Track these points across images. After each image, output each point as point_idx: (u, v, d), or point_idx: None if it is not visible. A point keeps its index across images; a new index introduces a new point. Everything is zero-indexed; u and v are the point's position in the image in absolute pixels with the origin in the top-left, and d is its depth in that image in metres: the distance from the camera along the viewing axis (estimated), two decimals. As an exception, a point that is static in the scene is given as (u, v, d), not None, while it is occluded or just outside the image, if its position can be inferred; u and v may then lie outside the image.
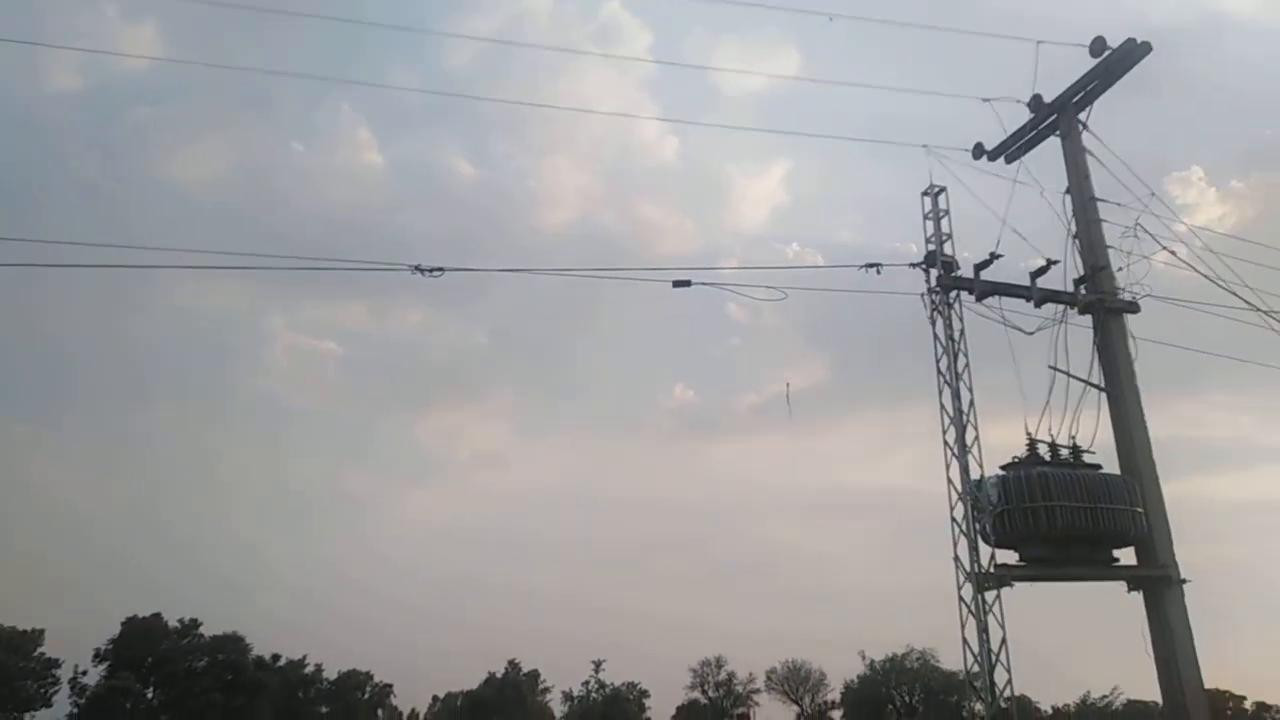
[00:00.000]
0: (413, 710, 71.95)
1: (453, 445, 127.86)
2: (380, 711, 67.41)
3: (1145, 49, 12.29)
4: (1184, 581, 11.19)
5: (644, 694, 66.87)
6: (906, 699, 64.06)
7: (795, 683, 67.32)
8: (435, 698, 71.64)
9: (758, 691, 67.47)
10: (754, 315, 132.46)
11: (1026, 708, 64.29)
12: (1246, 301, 12.62)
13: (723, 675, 66.89)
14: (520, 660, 68.37)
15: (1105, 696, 64.37)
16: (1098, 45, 12.55)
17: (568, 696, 66.23)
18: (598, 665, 65.29)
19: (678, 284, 11.18)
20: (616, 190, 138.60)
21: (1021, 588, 11.34)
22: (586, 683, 65.55)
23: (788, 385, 15.73)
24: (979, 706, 11.37)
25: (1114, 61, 12.52)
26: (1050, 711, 66.55)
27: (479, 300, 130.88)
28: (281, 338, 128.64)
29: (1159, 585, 11.02)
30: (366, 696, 66.23)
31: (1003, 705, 10.83)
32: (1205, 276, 12.64)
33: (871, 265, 12.51)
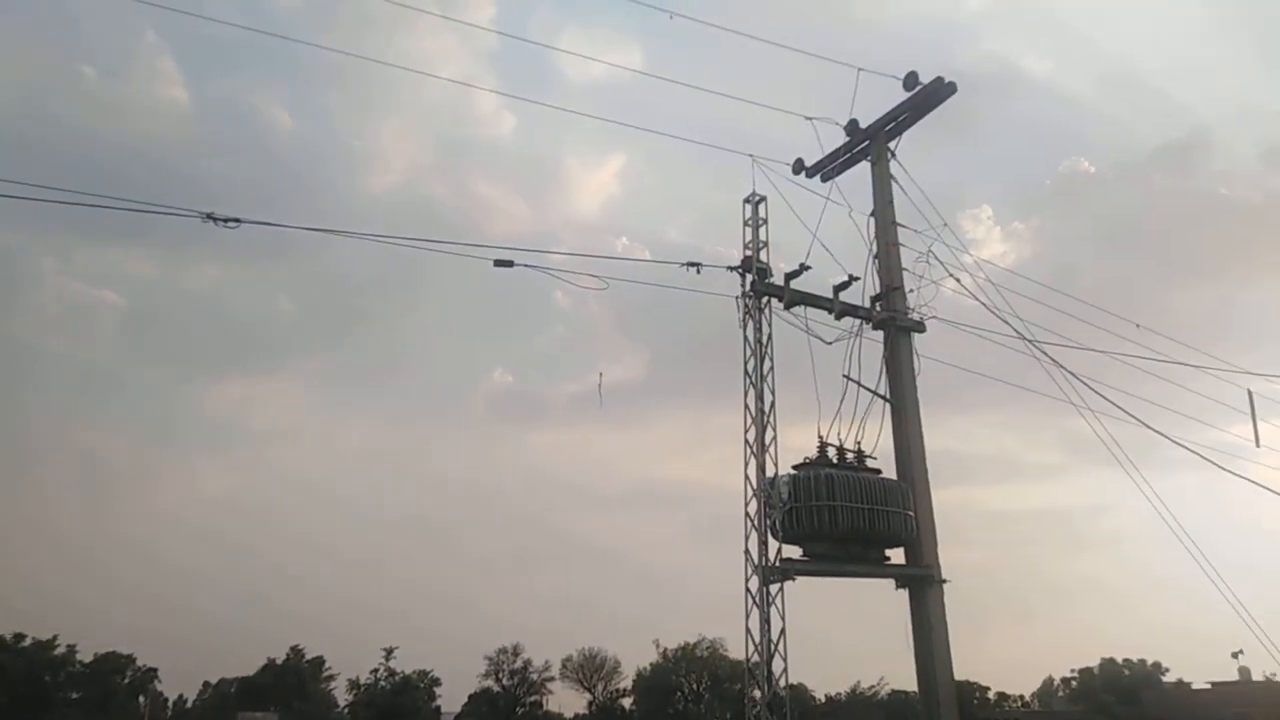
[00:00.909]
0: (180, 697, 67.04)
1: (247, 415, 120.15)
2: (142, 699, 62.17)
3: (951, 89, 13.31)
4: (944, 581, 12.22)
5: (435, 682, 65.58)
6: (694, 687, 66.57)
7: (590, 671, 68.31)
8: (206, 684, 67.10)
9: (552, 680, 67.94)
10: (579, 305, 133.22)
11: (802, 696, 68.51)
12: (1017, 331, 13.93)
13: (518, 663, 66.83)
14: (305, 646, 65.29)
15: (873, 686, 69.76)
16: (910, 80, 13.45)
17: (354, 684, 63.82)
18: (389, 652, 63.40)
19: (499, 263, 10.96)
20: (448, 161, 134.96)
21: (806, 582, 12.01)
22: (375, 670, 63.48)
23: (600, 376, 15.89)
24: (757, 694, 11.81)
25: (923, 97, 13.47)
26: (823, 699, 71.27)
27: (286, 261, 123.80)
28: (53, 283, 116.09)
29: (922, 584, 11.99)
30: (126, 681, 60.92)
31: (779, 693, 11.39)
32: (984, 305, 13.85)
33: (692, 265, 12.81)
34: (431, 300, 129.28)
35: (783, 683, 11.48)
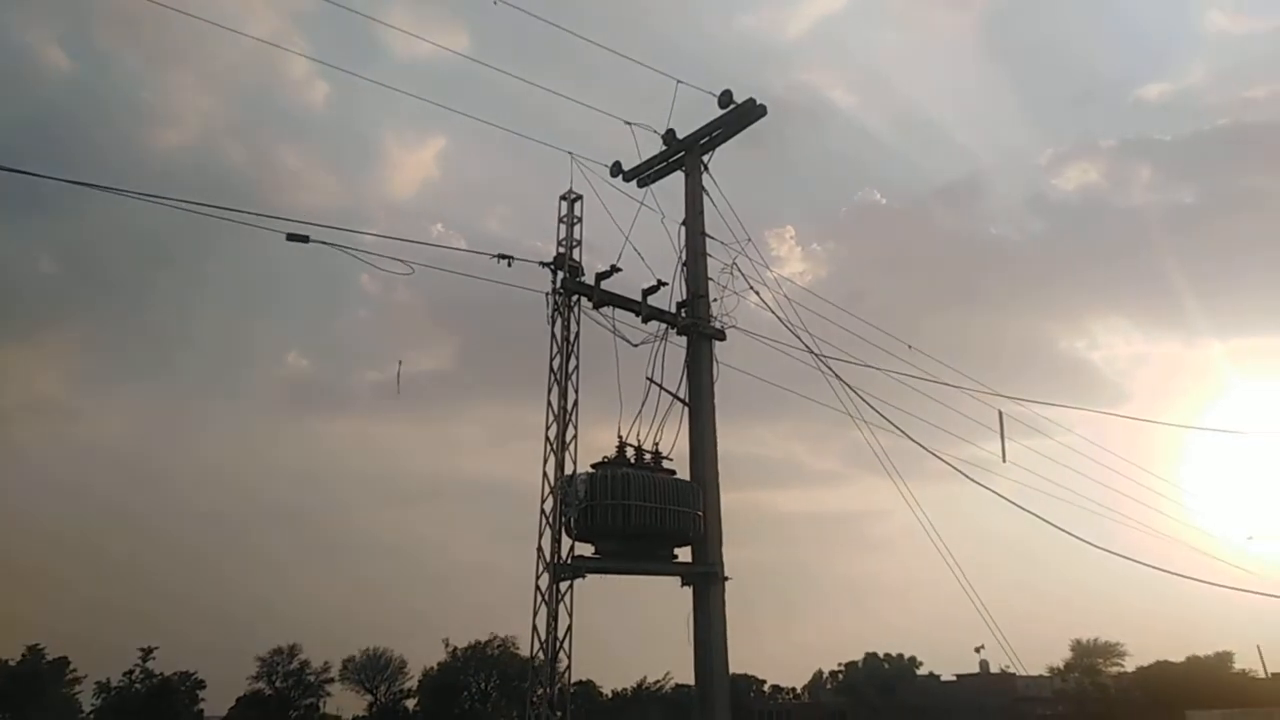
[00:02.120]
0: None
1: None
2: None
3: (761, 111, 13.94)
4: (726, 579, 12.75)
5: (199, 685, 60.78)
6: (483, 686, 65.75)
7: (373, 671, 65.80)
8: (-82, 690, 58.62)
9: (331, 681, 64.87)
10: (388, 290, 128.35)
11: (590, 692, 69.41)
12: (807, 346, 14.76)
13: (294, 664, 63.26)
14: (46, 646, 58.55)
15: (658, 681, 71.84)
16: (725, 98, 13.96)
17: (103, 688, 57.89)
18: (146, 653, 58.08)
19: (293, 237, 10.25)
20: (250, 125, 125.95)
21: (602, 579, 12.16)
22: (130, 672, 57.92)
23: (399, 364, 15.26)
24: (542, 691, 11.85)
25: (736, 116, 14.02)
26: (610, 695, 72.58)
27: (52, 219, 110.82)
28: None
29: (706, 581, 12.45)
30: None
31: (564, 690, 11.42)
32: (779, 319, 14.57)
33: (503, 257, 12.62)
34: (221, 273, 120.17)
35: (568, 679, 11.54)
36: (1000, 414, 17.40)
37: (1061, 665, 70.13)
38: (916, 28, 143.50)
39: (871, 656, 73.96)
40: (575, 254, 13.15)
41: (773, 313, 14.87)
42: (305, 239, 10.26)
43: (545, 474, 12.27)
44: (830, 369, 14.83)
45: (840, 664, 77.68)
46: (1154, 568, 18.42)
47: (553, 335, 12.74)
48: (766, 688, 78.32)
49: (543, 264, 12.74)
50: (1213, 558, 23.25)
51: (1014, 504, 15.86)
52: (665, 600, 13.16)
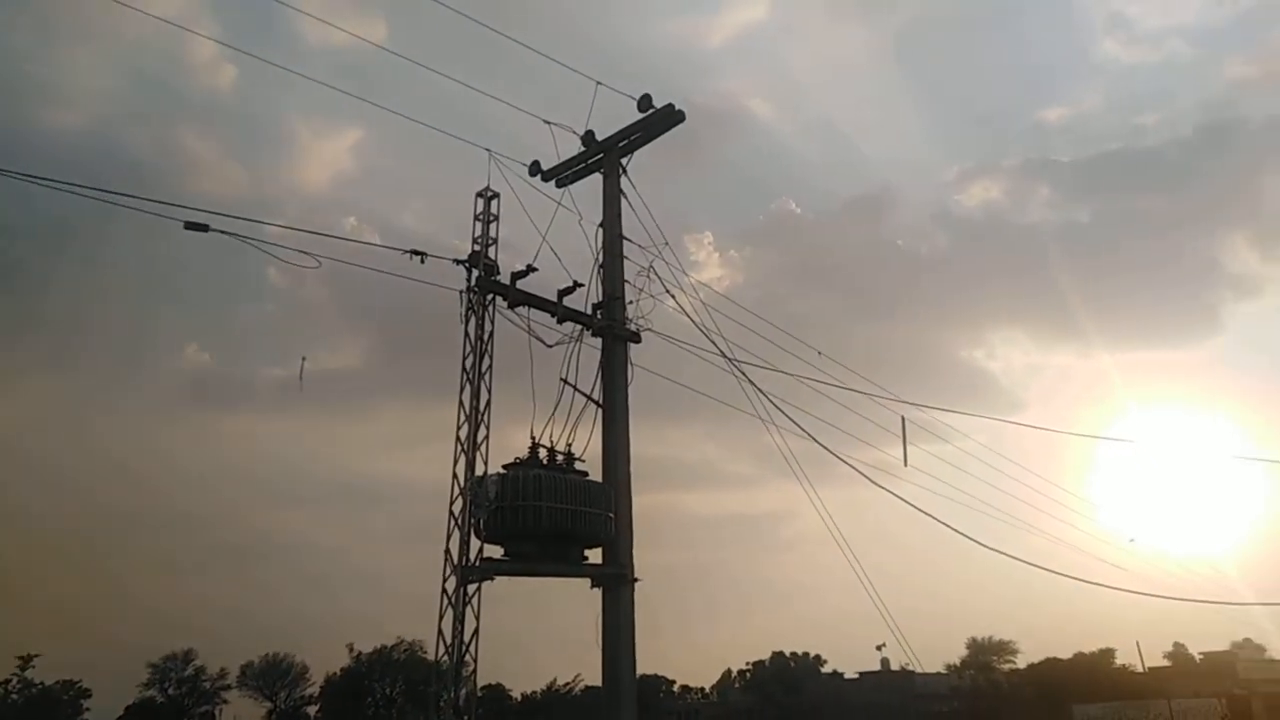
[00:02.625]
0: None
1: None
2: None
3: (680, 116, 14.08)
4: (636, 580, 12.80)
5: (84, 694, 57.71)
6: (388, 691, 64.35)
7: (273, 677, 63.68)
8: None
9: (228, 688, 62.51)
10: (296, 283, 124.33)
11: (499, 695, 68.72)
12: (722, 351, 14.95)
13: (189, 671, 60.70)
14: (-98, 656, 54.61)
15: (568, 684, 71.58)
16: (644, 102, 14.05)
17: (-26, 699, 54.40)
18: (25, 661, 54.79)
19: (191, 226, 9.82)
20: (151, 108, 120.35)
21: (513, 582, 12.04)
22: (6, 682, 54.55)
23: (303, 360, 14.79)
24: (449, 696, 11.74)
25: (655, 120, 14.12)
26: (520, 698, 72.03)
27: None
28: None
29: (616, 583, 12.47)
30: None
31: (470, 693, 11.28)
32: (694, 322, 14.73)
33: (416, 253, 12.38)
34: (116, 261, 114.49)
35: (475, 683, 11.39)
36: (903, 420, 17.98)
37: (958, 662, 72.97)
38: (833, 43, 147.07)
39: (779, 655, 75.40)
40: (491, 252, 13.01)
41: (688, 316, 15.03)
42: (204, 228, 9.84)
43: (455, 475, 12.09)
44: (743, 374, 15.08)
45: (748, 663, 79.01)
46: (1043, 568, 19.31)
47: (466, 334, 12.57)
48: (676, 688, 78.97)
49: (457, 261, 12.56)
50: (1098, 559, 24.55)
51: (914, 506, 16.40)
52: (577, 602, 13.15)
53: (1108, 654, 69.45)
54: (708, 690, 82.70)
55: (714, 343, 14.99)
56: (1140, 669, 63.31)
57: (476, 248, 12.86)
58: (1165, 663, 66.55)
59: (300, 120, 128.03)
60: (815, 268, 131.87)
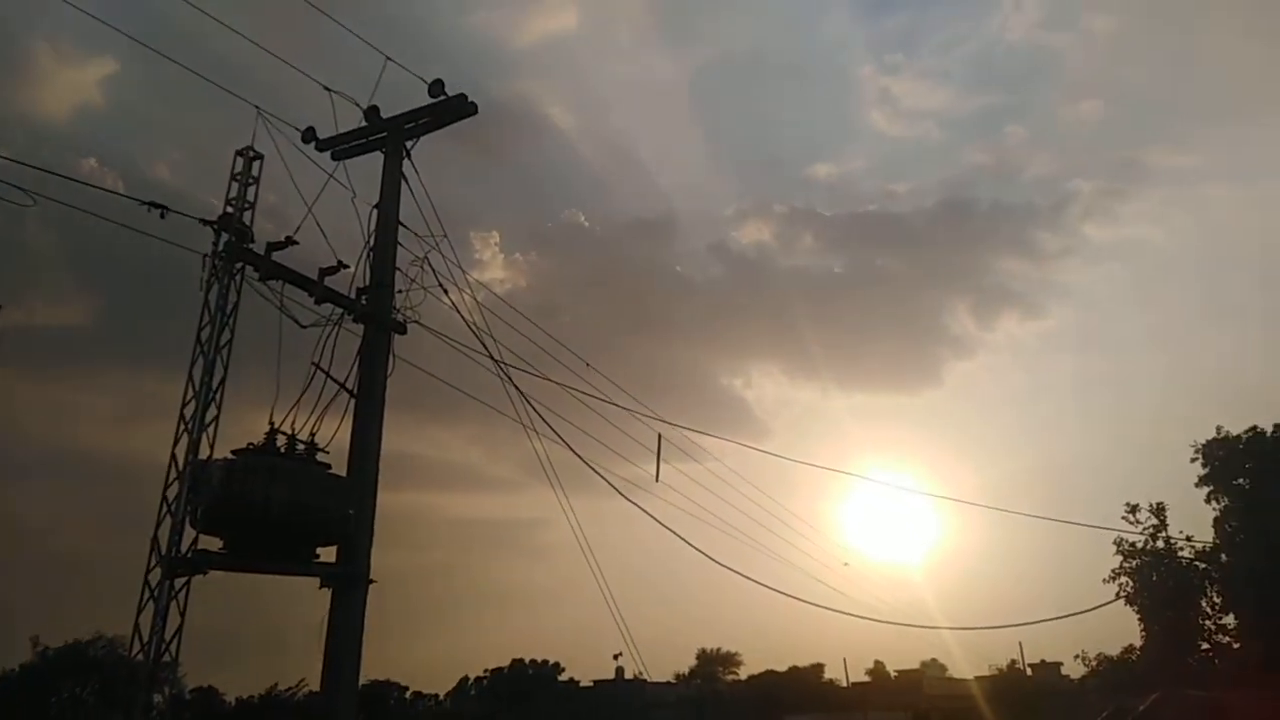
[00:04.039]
0: None
1: None
2: None
3: (472, 109, 13.71)
4: (371, 582, 12.16)
5: None
6: (78, 691, 57.29)
7: (-72, 674, 54.69)
8: None
9: None
10: (13, 225, 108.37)
11: (211, 698, 63.29)
12: (489, 352, 14.67)
13: None
14: None
15: (291, 688, 67.23)
16: (436, 87, 13.54)
17: None
18: None
19: None
20: None
21: (238, 580, 11.04)
22: None
23: (-1, 308, 12.75)
24: (158, 697, 10.54)
25: (445, 107, 13.65)
26: (234, 702, 66.68)
27: None
28: None
29: (348, 584, 11.77)
30: None
31: (176, 696, 10.21)
32: (464, 320, 14.34)
33: (156, 207, 11.10)
34: None
35: (178, 686, 10.30)
36: (660, 437, 18.57)
37: (687, 672, 76.70)
38: (637, 66, 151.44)
39: (518, 663, 75.35)
40: (248, 218, 11.95)
41: (459, 313, 14.62)
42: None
43: (174, 456, 10.92)
44: (509, 377, 14.88)
45: (487, 670, 78.26)
46: (767, 586, 20.56)
47: (206, 303, 11.42)
48: (409, 694, 76.50)
49: (204, 222, 11.39)
50: (817, 580, 26.66)
51: (658, 521, 16.92)
52: (311, 602, 12.28)
53: (818, 668, 75.74)
54: (442, 697, 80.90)
55: (482, 342, 14.70)
56: (845, 683, 69.50)
57: (230, 210, 11.75)
58: (866, 678, 73.52)
59: (44, 40, 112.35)
60: (596, 282, 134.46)
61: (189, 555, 10.34)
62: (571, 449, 14.97)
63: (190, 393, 11.19)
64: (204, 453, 10.93)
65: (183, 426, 11.05)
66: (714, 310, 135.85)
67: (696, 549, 17.83)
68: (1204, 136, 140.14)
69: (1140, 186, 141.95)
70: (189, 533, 10.61)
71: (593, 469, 15.72)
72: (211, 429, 11.03)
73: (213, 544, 10.82)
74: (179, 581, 10.32)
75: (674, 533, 17.25)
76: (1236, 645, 39.55)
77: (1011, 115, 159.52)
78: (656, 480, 17.96)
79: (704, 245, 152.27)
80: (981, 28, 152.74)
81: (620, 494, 16.26)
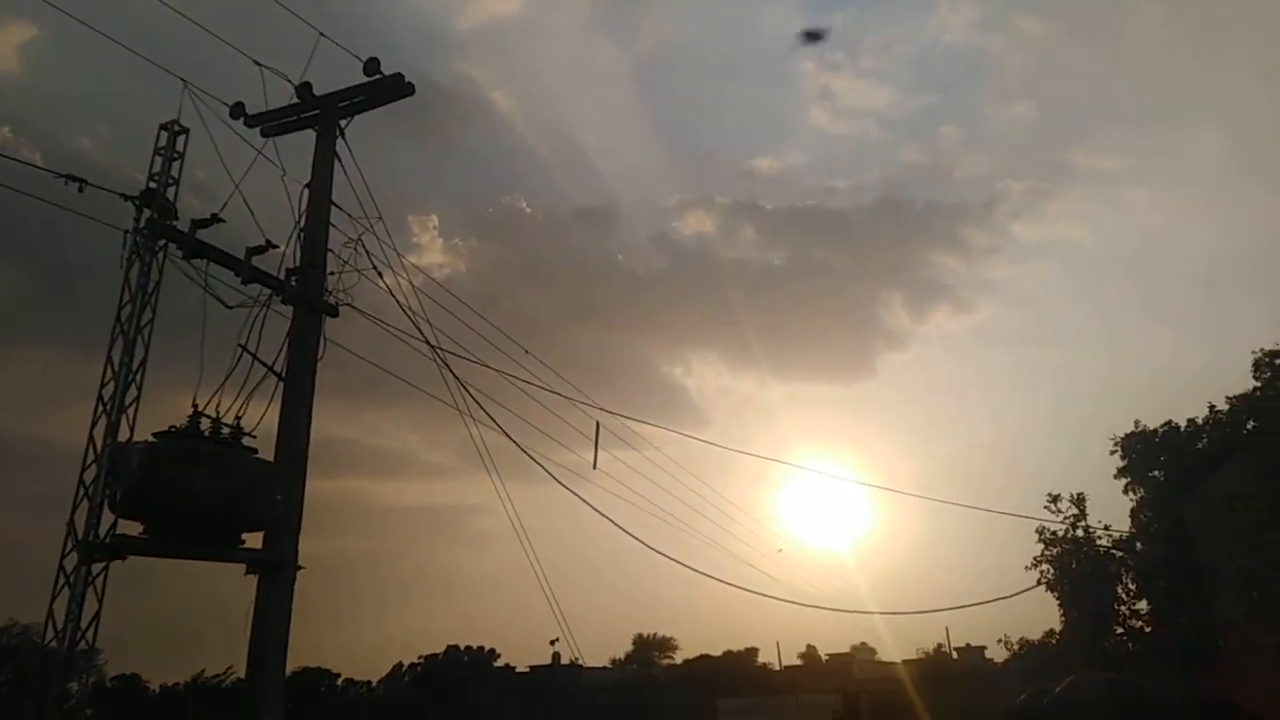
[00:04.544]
0: None
1: None
2: None
3: (409, 89, 13.48)
4: (299, 568, 11.98)
5: None
6: (-11, 680, 55.19)
7: None
8: None
9: None
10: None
11: (134, 687, 61.62)
12: (424, 337, 14.50)
13: None
14: None
15: (218, 675, 65.81)
16: (371, 66, 13.28)
17: None
18: None
19: None
20: None
21: (165, 567, 10.76)
22: None
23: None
24: (74, 685, 10.41)
25: (381, 87, 13.40)
26: (158, 690, 65.04)
27: None
28: None
29: (274, 570, 11.57)
30: None
31: (100, 683, 9.97)
32: (399, 303, 14.14)
33: (74, 180, 10.73)
34: None
35: (103, 674, 10.02)
36: (598, 424, 18.61)
37: (623, 657, 77.24)
38: (581, 53, 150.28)
39: (453, 649, 74.90)
40: (171, 194, 11.60)
41: (393, 297, 14.42)
42: None
43: (92, 438, 10.59)
44: (445, 364, 14.74)
45: (421, 656, 77.61)
46: (702, 573, 20.82)
47: (126, 281, 11.08)
48: (341, 681, 75.44)
49: (125, 197, 11.03)
50: (752, 566, 27.08)
51: (593, 508, 16.98)
52: (241, 588, 12.02)
53: (752, 652, 76.92)
54: (374, 684, 79.98)
55: (418, 327, 14.53)
56: (778, 667, 70.77)
57: (153, 185, 11.39)
58: (799, 662, 74.97)
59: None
60: (537, 269, 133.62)
61: (107, 540, 10.06)
62: (509, 436, 14.94)
63: (109, 374, 10.86)
64: (124, 435, 10.64)
65: (101, 408, 10.72)
66: (655, 299, 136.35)
67: (633, 536, 17.95)
68: (1127, 140, 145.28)
69: (1067, 187, 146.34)
70: (108, 518, 10.35)
71: (530, 456, 15.71)
72: (131, 411, 10.73)
73: (133, 529, 10.53)
74: (96, 567, 10.04)
75: (610, 520, 17.34)
76: (1148, 630, 41.32)
77: (947, 115, 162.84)
78: (594, 468, 18.03)
79: (646, 235, 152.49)
80: (921, 28, 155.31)
81: (558, 481, 16.27)
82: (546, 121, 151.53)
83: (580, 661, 51.91)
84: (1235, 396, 37.17)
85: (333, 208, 13.67)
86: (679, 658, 79.59)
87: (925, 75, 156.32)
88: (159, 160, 11.66)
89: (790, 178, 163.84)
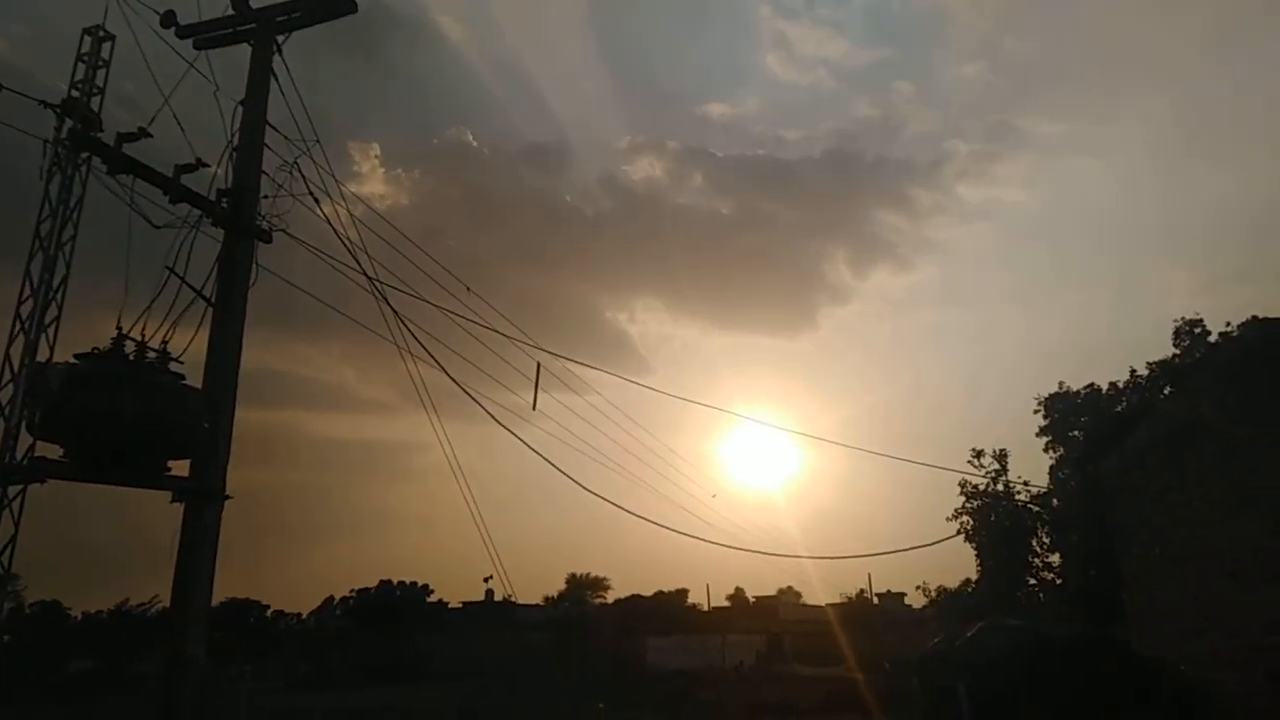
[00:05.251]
0: None
1: None
2: None
3: (350, 5, 12.92)
4: (227, 498, 11.77)
5: None
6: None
7: None
8: None
9: None
10: None
11: (54, 613, 60.53)
12: (361, 268, 14.15)
13: None
14: None
15: (143, 604, 65.08)
16: (313, -20, 12.71)
17: None
18: None
19: None
20: None
21: (90, 492, 10.44)
22: None
23: None
24: None
25: (321, 1, 12.84)
26: (80, 617, 64.05)
27: None
28: None
29: (201, 499, 11.35)
30: None
31: (19, 609, 9.68)
32: (335, 232, 13.73)
33: (-10, 84, 10.09)
34: None
35: (27, 599, 9.78)
36: (539, 366, 18.54)
37: (556, 595, 78.40)
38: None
39: (385, 583, 75.08)
40: (96, 104, 11.00)
41: (329, 224, 14.00)
42: None
43: (9, 357, 10.16)
44: (384, 296, 14.44)
45: (353, 590, 77.70)
46: (636, 515, 21.07)
47: (46, 194, 10.53)
48: (270, 613, 75.24)
49: (45, 104, 10.42)
50: (686, 510, 27.57)
51: (531, 448, 17.01)
52: (166, 517, 11.77)
53: (683, 593, 78.78)
54: (304, 615, 79.98)
55: (355, 258, 14.16)
56: (707, 608, 72.68)
57: (75, 94, 10.79)
58: (727, 603, 77.16)
59: None
60: (481, 205, 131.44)
61: (24, 462, 9.72)
62: (447, 373, 14.76)
63: (28, 290, 10.39)
64: (43, 355, 10.23)
65: (19, 326, 10.27)
66: (602, 244, 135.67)
67: (569, 476, 18.04)
68: (1074, 106, 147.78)
69: (1013, 150, 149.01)
70: (25, 440, 10.00)
71: (469, 394, 15.59)
72: (51, 330, 10.29)
73: (52, 452, 10.20)
74: (13, 490, 9.72)
75: (547, 460, 17.40)
76: (1059, 582, 43.39)
77: (901, 71, 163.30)
78: (534, 409, 17.99)
79: (595, 177, 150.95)
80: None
81: (496, 421, 16.21)
82: (495, 53, 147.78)
83: (513, 599, 52.57)
84: (1155, 363, 38.66)
85: (268, 129, 13.16)
86: (611, 597, 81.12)
87: (882, 28, 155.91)
88: (82, 67, 11.02)
89: (742, 124, 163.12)
